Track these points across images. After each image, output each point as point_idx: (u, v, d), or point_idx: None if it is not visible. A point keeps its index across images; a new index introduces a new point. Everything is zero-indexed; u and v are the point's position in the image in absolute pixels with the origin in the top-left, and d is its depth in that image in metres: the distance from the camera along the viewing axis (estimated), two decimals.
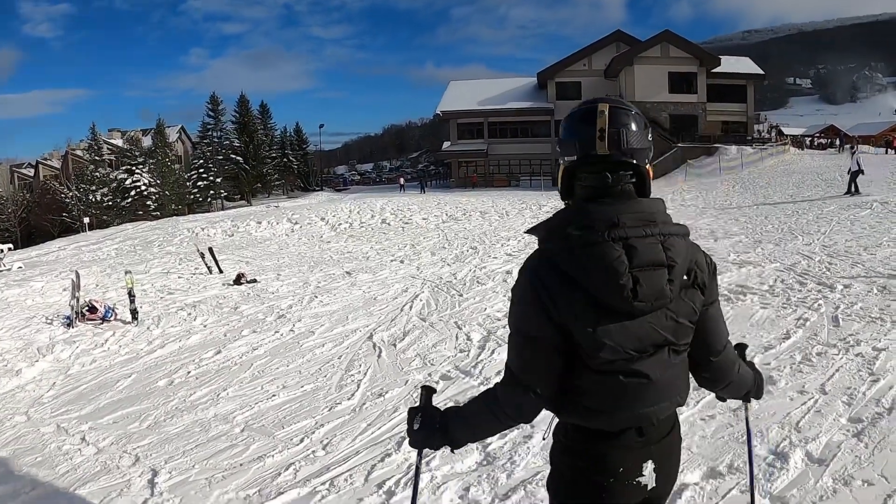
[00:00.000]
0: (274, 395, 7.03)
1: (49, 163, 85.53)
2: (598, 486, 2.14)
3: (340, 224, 28.45)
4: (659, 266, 2.01)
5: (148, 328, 11.24)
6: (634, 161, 2.12)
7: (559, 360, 2.05)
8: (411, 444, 2.37)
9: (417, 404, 2.40)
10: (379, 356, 8.24)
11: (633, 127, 2.10)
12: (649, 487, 2.19)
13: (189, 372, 8.37)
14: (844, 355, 6.59)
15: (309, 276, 15.67)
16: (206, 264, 17.86)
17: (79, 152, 74.99)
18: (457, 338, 8.79)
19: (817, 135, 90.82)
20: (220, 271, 17.31)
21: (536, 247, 2.14)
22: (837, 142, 75.77)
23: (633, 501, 2.20)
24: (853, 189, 23.58)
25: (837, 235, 14.71)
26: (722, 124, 63.49)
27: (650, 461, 2.16)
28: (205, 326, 11.08)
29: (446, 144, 73.57)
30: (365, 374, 7.53)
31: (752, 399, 2.65)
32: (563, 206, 2.21)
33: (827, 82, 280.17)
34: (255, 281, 15.29)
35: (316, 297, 12.72)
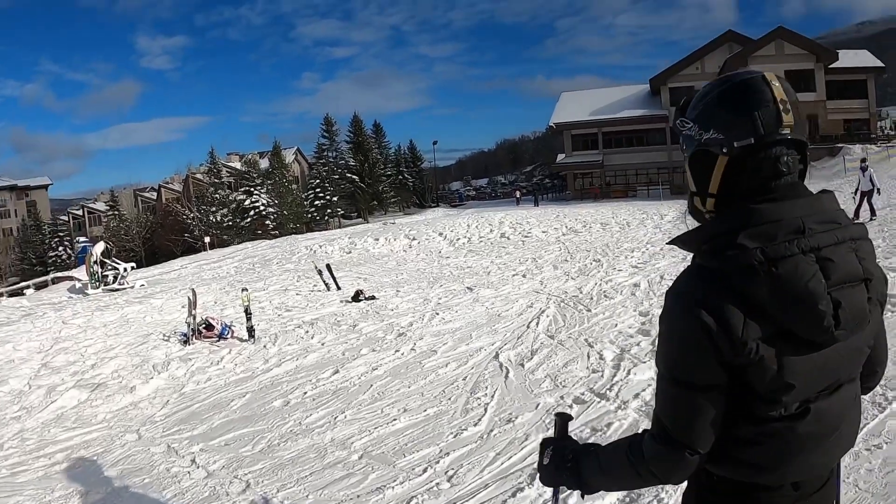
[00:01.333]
0: (394, 420, 6.53)
1: (171, 186, 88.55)
2: None
3: (459, 239, 27.99)
4: (858, 281, 1.61)
5: (264, 346, 10.98)
6: (805, 141, 1.70)
7: (724, 409, 1.64)
8: (541, 480, 2.03)
9: (551, 434, 2.13)
10: (506, 377, 7.64)
11: (797, 103, 1.67)
12: None
13: (305, 392, 7.97)
14: None
15: (429, 292, 15.16)
16: (324, 281, 17.64)
17: (199, 175, 77.32)
18: (588, 356, 8.10)
19: None
20: (338, 288, 17.03)
21: (674, 256, 1.54)
22: None
23: None
24: (870, 212, 19.23)
25: None
26: (843, 122, 60.81)
27: None
28: (322, 345, 10.71)
29: (561, 157, 73.40)
30: (492, 396, 6.95)
31: None
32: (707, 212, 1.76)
33: None
34: (373, 298, 14.89)
35: (437, 313, 12.19)
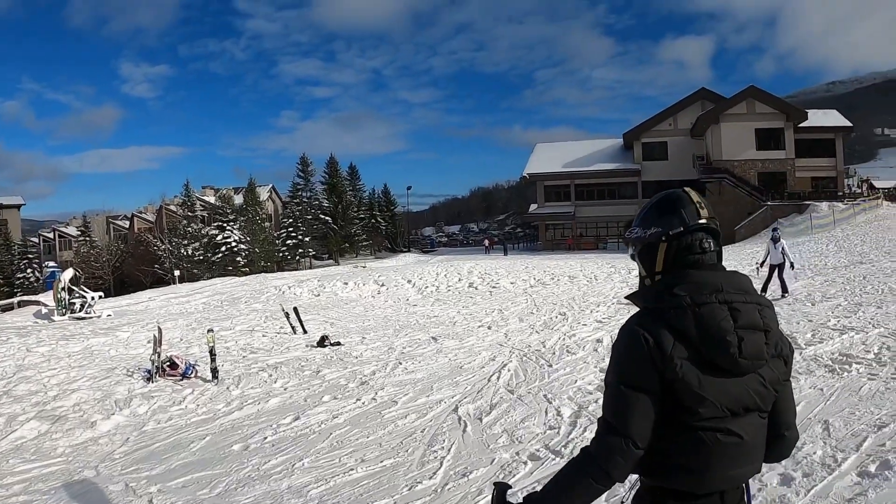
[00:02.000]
0: (352, 469, 6.63)
1: (144, 216, 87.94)
2: None
3: (427, 287, 28.07)
4: (758, 329, 2.21)
5: (228, 388, 11.03)
6: (718, 230, 2.38)
7: (658, 414, 2.15)
8: None
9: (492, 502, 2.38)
10: (464, 431, 7.75)
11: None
12: None
13: (265, 438, 8.05)
14: None
15: (394, 340, 15.25)
16: (291, 324, 17.68)
17: (172, 207, 77.14)
18: (546, 412, 8.23)
19: None
20: (305, 332, 17.08)
21: (635, 311, 2.33)
22: None
23: None
24: (782, 288, 17.42)
25: None
26: (811, 180, 62.53)
27: None
28: (285, 389, 10.77)
29: (533, 207, 74.46)
30: (449, 450, 7.06)
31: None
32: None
33: None
34: (338, 343, 14.97)
35: (400, 363, 12.30)
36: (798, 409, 7.07)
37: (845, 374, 8.62)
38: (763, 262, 18.84)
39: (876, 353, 9.53)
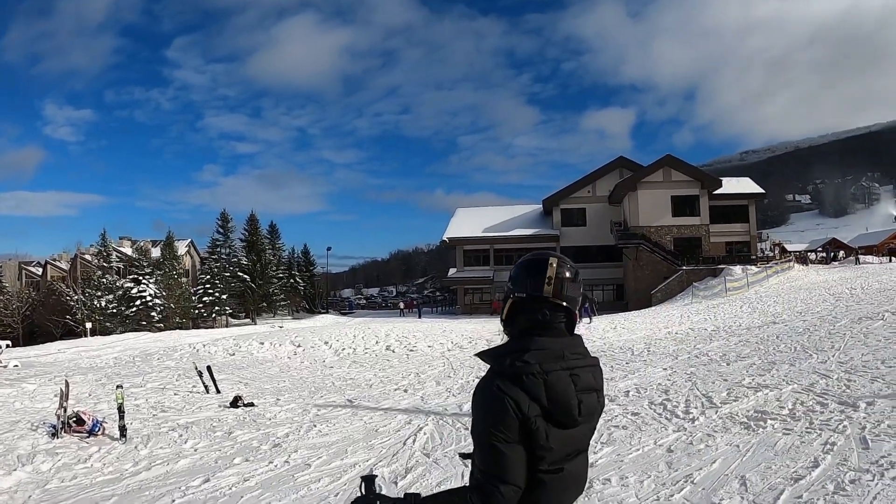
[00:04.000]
0: None
1: (58, 264, 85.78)
2: None
3: (344, 349, 27.81)
4: (593, 390, 2.58)
5: (136, 447, 10.74)
6: (566, 305, 2.61)
7: (524, 458, 2.39)
8: None
9: (363, 495, 2.53)
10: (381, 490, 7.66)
11: (572, 280, 2.63)
12: None
13: (174, 500, 7.83)
14: (880, 480, 6.21)
15: (309, 402, 15.09)
16: (204, 383, 17.36)
17: (88, 256, 75.41)
18: (462, 476, 8.14)
19: (819, 249, 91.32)
20: (218, 391, 16.80)
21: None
22: (840, 254, 79.88)
23: None
24: None
25: (852, 350, 14.41)
26: (726, 245, 65.06)
27: None
28: (195, 451, 10.54)
29: (452, 271, 74.80)
30: None
31: None
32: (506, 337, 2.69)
33: (825, 196, 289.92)
34: (252, 405, 14.75)
35: (315, 425, 12.16)
36: (714, 466, 7.30)
37: (760, 430, 8.80)
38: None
39: (790, 408, 9.76)
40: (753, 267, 52.32)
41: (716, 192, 64.26)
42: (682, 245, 61.75)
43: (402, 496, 2.46)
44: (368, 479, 2.55)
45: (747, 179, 73.15)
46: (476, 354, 2.84)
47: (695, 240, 62.56)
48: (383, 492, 2.55)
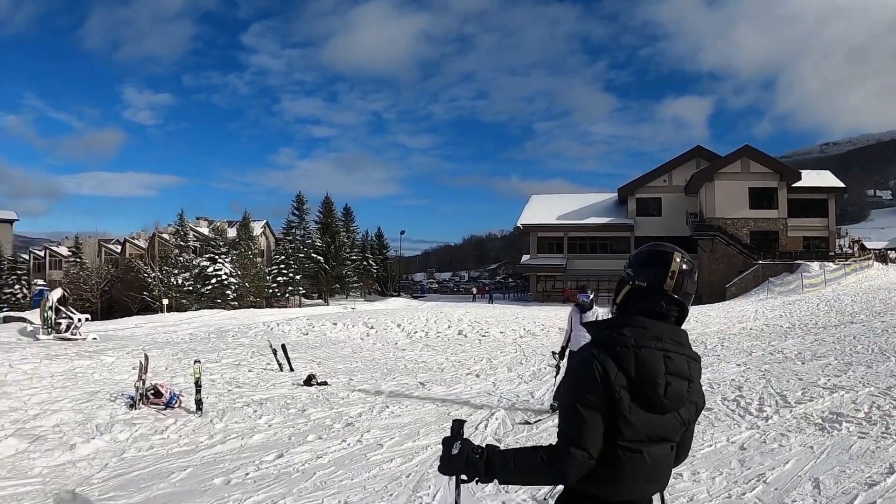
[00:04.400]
0: None
1: (136, 242, 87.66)
2: None
3: (416, 332, 27.83)
4: (684, 378, 2.60)
5: (211, 420, 10.86)
6: (683, 301, 2.71)
7: (604, 428, 2.48)
8: (445, 470, 2.65)
9: (452, 434, 2.69)
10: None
11: (691, 277, 2.72)
12: None
13: (248, 473, 7.89)
14: None
15: (381, 383, 15.14)
16: (278, 361, 17.50)
17: (165, 235, 76.84)
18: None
19: None
20: (291, 369, 16.91)
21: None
22: None
23: None
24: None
25: None
26: (803, 240, 63.20)
27: None
28: (269, 426, 10.63)
29: (525, 257, 74.48)
30: (433, 497, 6.93)
31: None
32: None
33: None
34: (325, 384, 14.83)
35: (387, 406, 12.16)
36: (787, 466, 7.09)
37: (835, 432, 8.59)
38: (564, 347, 12.17)
39: (866, 411, 9.49)
40: (831, 264, 50.85)
41: (794, 184, 62.44)
42: (758, 238, 60.28)
43: (483, 445, 2.61)
44: (458, 423, 2.73)
45: (827, 172, 70.60)
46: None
47: (772, 233, 60.99)
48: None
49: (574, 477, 2.47)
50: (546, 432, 9.93)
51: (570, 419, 2.49)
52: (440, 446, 2.69)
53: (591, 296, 12.38)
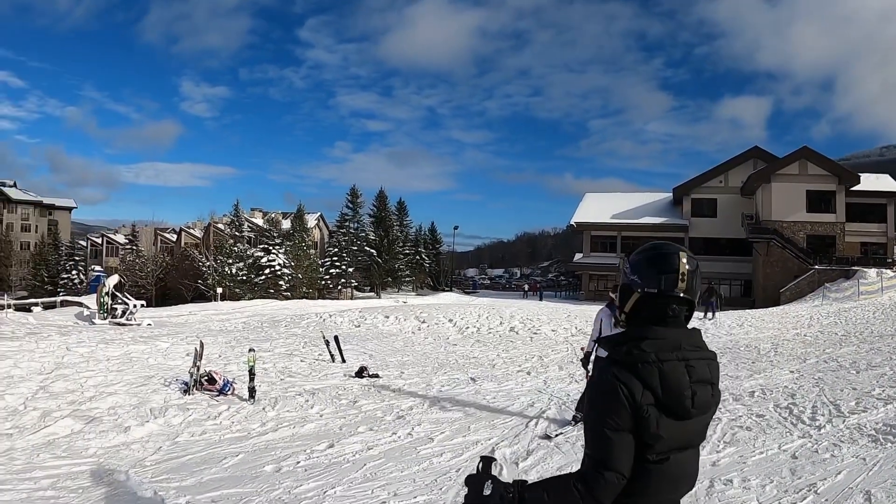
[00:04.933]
0: (384, 502, 6.47)
1: (191, 231, 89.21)
2: None
3: (468, 328, 27.68)
4: (707, 382, 2.59)
5: (263, 409, 10.94)
6: (692, 300, 2.67)
7: (633, 447, 2.44)
8: None
9: (477, 472, 2.57)
10: (499, 473, 7.50)
11: (697, 274, 2.67)
12: None
13: (298, 462, 7.92)
14: None
15: (432, 377, 15.09)
16: (331, 352, 17.55)
17: (220, 226, 78.07)
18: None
19: None
20: (343, 361, 16.96)
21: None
22: None
23: None
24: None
25: None
26: (861, 245, 61.82)
27: None
28: (321, 416, 10.65)
29: (578, 256, 74.17)
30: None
31: None
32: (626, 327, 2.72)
33: None
34: (377, 376, 14.84)
35: (438, 401, 12.11)
36: (839, 477, 6.93)
37: (889, 444, 8.31)
38: (589, 353, 9.78)
39: None
40: (889, 271, 49.05)
41: (853, 188, 60.90)
42: (814, 243, 58.99)
43: (511, 482, 2.52)
44: (487, 460, 2.60)
45: (886, 176, 68.02)
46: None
47: (829, 238, 59.63)
48: (503, 473, 2.61)
49: (609, 500, 2.42)
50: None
51: (599, 443, 2.44)
52: (464, 486, 2.59)
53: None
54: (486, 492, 2.46)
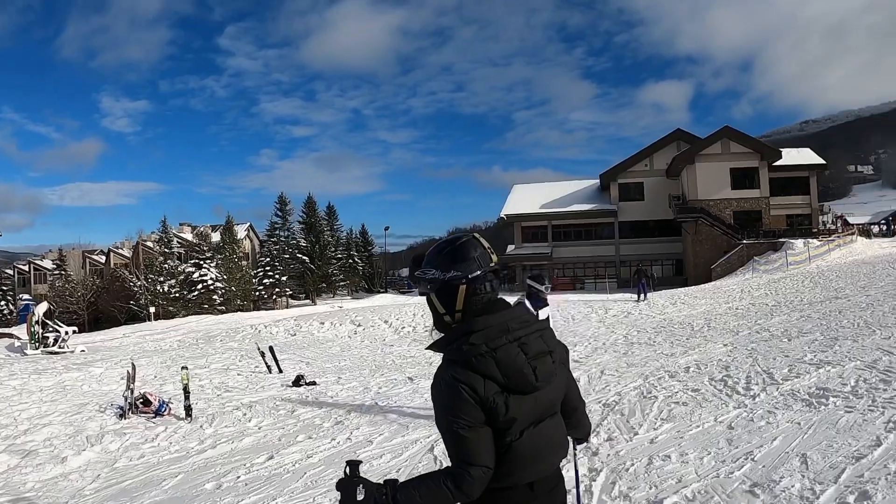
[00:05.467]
0: None
1: (120, 251, 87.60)
2: None
3: (404, 327, 27.95)
4: (545, 353, 2.66)
5: (201, 426, 10.93)
6: (497, 266, 2.75)
7: (492, 437, 2.50)
8: None
9: (346, 477, 2.56)
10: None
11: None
12: None
13: (238, 477, 7.96)
14: None
15: (370, 380, 15.19)
16: (266, 363, 17.55)
17: (149, 243, 76.89)
18: None
19: (882, 221, 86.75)
20: (280, 371, 16.97)
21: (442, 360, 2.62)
22: None
23: None
24: None
25: None
26: (786, 218, 63.93)
27: None
28: (259, 429, 10.70)
29: (510, 248, 74.34)
30: None
31: (584, 441, 3.34)
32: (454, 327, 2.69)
33: (888, 167, 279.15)
34: (314, 383, 14.89)
35: (376, 403, 12.22)
36: (775, 443, 7.13)
37: (822, 407, 8.55)
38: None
39: (853, 385, 9.48)
40: (815, 240, 51.04)
41: (775, 163, 62.63)
42: (741, 218, 60.49)
43: (383, 482, 2.52)
44: (353, 464, 2.62)
45: (808, 150, 70.67)
46: (427, 348, 2.92)
47: (754, 213, 61.21)
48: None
49: (479, 492, 2.48)
50: None
51: (457, 443, 2.48)
52: (337, 492, 2.55)
53: (549, 286, 11.09)
54: (360, 496, 2.46)
